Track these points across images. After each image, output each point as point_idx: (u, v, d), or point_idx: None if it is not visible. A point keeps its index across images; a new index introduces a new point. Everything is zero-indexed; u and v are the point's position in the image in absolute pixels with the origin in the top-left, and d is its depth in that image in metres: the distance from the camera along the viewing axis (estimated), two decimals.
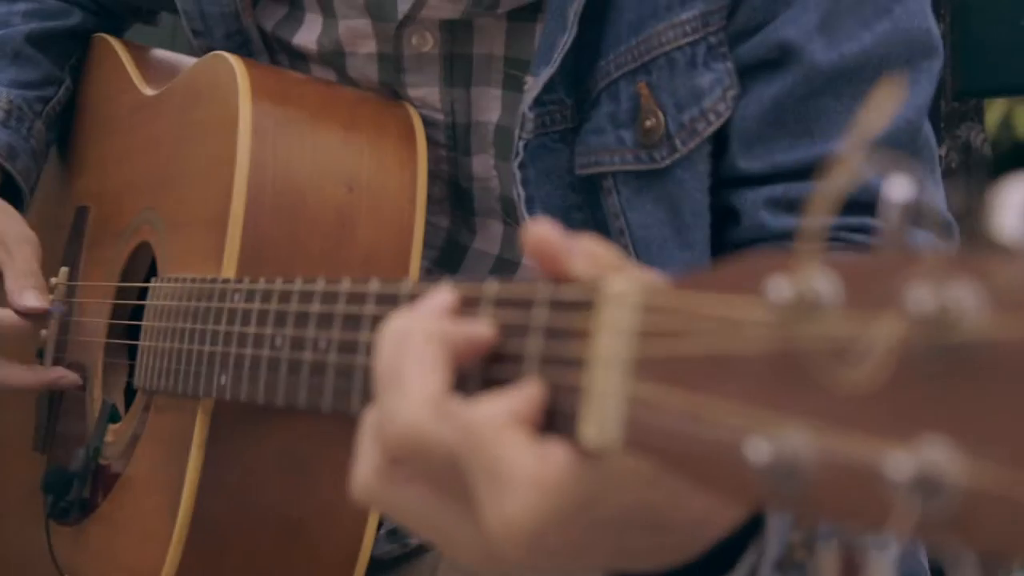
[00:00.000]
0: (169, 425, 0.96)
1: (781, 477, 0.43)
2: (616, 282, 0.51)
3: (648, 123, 0.92)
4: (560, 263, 0.54)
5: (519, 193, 0.94)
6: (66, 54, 1.27)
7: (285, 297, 0.79)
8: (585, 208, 0.96)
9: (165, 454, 0.95)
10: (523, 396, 0.53)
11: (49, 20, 1.27)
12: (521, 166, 0.94)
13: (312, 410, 0.74)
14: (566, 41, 0.91)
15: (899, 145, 0.91)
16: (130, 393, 1.09)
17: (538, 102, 0.93)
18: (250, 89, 0.95)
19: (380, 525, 1.03)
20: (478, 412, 0.52)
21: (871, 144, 0.92)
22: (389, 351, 0.57)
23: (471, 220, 1.05)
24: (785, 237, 0.91)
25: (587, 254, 0.55)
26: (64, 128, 1.29)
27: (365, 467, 0.59)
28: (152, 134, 1.11)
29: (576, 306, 0.53)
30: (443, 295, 0.58)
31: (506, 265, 1.05)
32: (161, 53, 1.28)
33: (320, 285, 0.74)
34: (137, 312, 1.06)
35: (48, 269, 1.23)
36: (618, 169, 0.94)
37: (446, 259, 1.06)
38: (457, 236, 1.06)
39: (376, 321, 0.68)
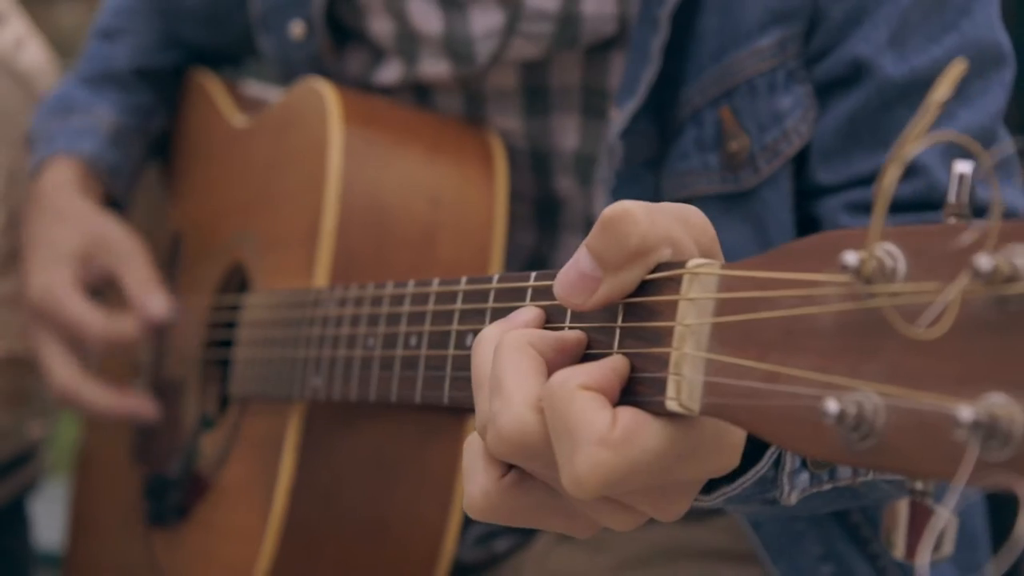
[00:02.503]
0: (263, 429, 1.01)
1: (856, 433, 0.47)
2: (697, 259, 0.55)
3: (732, 146, 0.95)
4: (586, 307, 0.59)
5: None
6: (166, 89, 1.35)
7: (377, 300, 0.84)
8: None
9: (259, 457, 1.00)
10: (601, 368, 0.57)
11: (151, 55, 1.34)
12: (613, 193, 0.98)
13: (404, 402, 0.78)
14: (650, 74, 0.95)
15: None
16: (224, 404, 1.15)
17: (625, 133, 0.96)
18: (340, 111, 1.01)
19: (466, 529, 1.07)
20: (557, 377, 0.56)
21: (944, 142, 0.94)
22: (485, 362, 0.62)
23: (555, 236, 1.09)
24: None
25: (604, 265, 0.59)
26: (160, 158, 1.36)
27: (480, 484, 0.63)
28: (245, 161, 1.17)
29: (658, 284, 0.57)
30: (529, 311, 0.63)
31: None
32: (250, 85, 1.35)
33: (410, 287, 0.79)
34: (230, 329, 1.11)
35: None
36: (705, 192, 0.97)
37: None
38: (541, 252, 1.10)
39: (464, 314, 0.72)
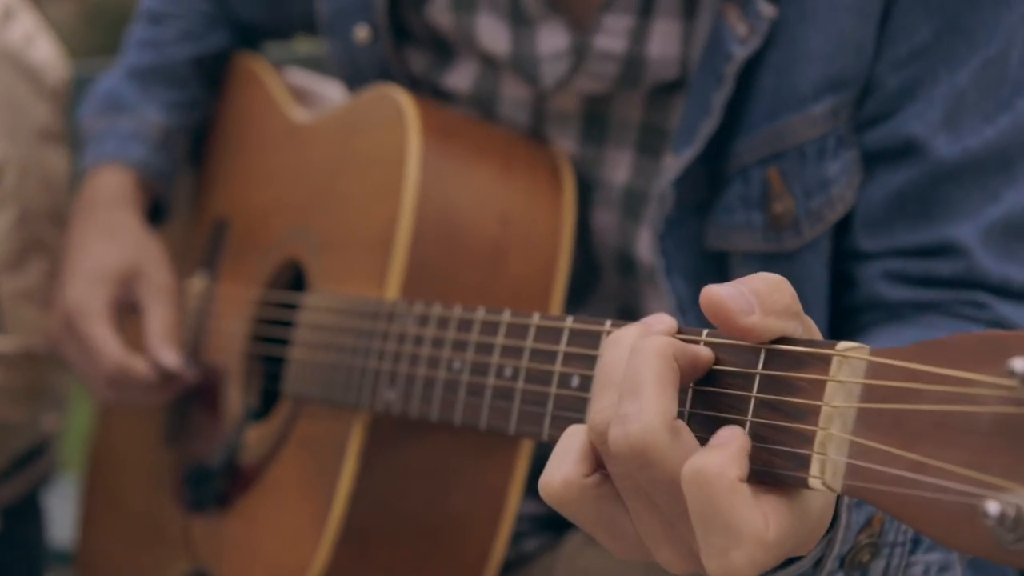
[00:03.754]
0: (320, 432, 1.02)
1: (1013, 534, 0.49)
2: (847, 343, 0.57)
3: (778, 208, 0.95)
4: (733, 322, 0.61)
5: (659, 262, 0.99)
6: (214, 77, 1.35)
7: (465, 325, 0.85)
8: (717, 275, 1.00)
9: (315, 459, 1.01)
10: (740, 453, 0.59)
11: (199, 42, 1.34)
12: (661, 238, 0.99)
13: (495, 432, 0.80)
14: (710, 127, 0.95)
15: (1013, 232, 0.95)
16: (265, 396, 1.15)
17: (679, 180, 0.97)
18: (419, 122, 1.01)
19: None
20: (712, 465, 0.58)
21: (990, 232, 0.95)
22: (623, 358, 0.63)
23: (590, 268, 1.10)
24: (901, 307, 0.96)
25: (761, 305, 0.61)
26: (198, 139, 1.36)
27: (564, 472, 0.65)
28: (306, 158, 1.17)
29: (804, 360, 0.59)
30: (668, 319, 0.65)
31: (627, 314, 1.10)
32: (302, 75, 1.35)
33: (506, 317, 0.80)
34: (281, 326, 1.12)
35: (178, 274, 1.30)
36: (747, 249, 0.98)
37: (571, 295, 1.12)
38: (578, 282, 1.11)
39: (570, 357, 0.74)
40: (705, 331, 0.64)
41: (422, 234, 0.98)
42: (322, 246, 1.09)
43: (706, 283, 1.01)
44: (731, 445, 0.59)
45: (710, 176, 0.99)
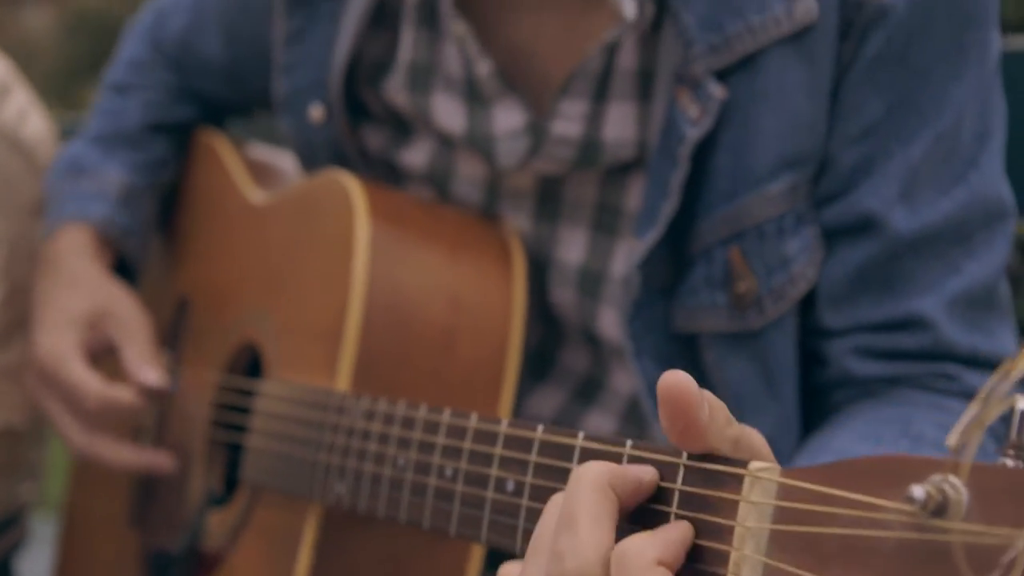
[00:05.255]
0: (277, 520, 1.02)
1: None
2: (759, 463, 0.58)
3: (741, 287, 0.96)
4: (692, 411, 0.60)
5: (628, 346, 1.00)
6: (176, 144, 1.36)
7: (408, 423, 0.85)
8: (686, 356, 1.00)
9: (271, 547, 1.01)
10: (672, 541, 0.59)
11: (162, 111, 1.35)
12: (629, 321, 1.00)
13: (438, 532, 0.80)
14: (670, 209, 0.96)
15: (976, 303, 0.96)
16: (229, 480, 1.16)
17: (643, 263, 0.98)
18: (367, 208, 1.02)
19: None
20: (632, 547, 0.58)
21: (958, 302, 0.95)
22: (548, 527, 0.63)
23: (556, 341, 1.10)
24: (872, 382, 0.97)
25: (710, 406, 0.61)
26: (164, 215, 1.37)
27: None
28: (262, 239, 1.18)
29: (719, 478, 0.59)
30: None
31: (593, 384, 1.11)
32: (263, 151, 1.36)
33: (446, 417, 0.81)
34: (240, 413, 1.12)
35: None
36: (713, 329, 0.98)
37: (534, 369, 1.12)
38: (544, 350, 1.12)
39: (505, 461, 0.74)
40: (629, 442, 0.65)
41: (372, 322, 0.98)
42: (278, 331, 1.10)
43: (676, 365, 1.02)
44: (663, 530, 0.59)
45: (674, 258, 0.99)
